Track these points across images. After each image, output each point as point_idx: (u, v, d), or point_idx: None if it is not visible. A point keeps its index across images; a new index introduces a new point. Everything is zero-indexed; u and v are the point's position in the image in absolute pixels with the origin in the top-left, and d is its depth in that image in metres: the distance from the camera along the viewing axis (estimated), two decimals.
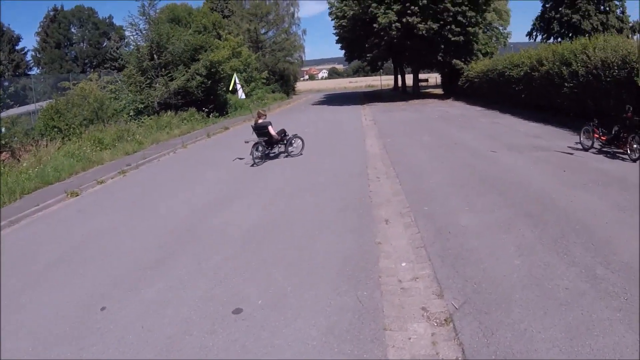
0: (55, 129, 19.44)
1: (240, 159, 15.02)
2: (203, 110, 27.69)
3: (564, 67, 16.93)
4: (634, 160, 11.14)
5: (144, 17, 26.90)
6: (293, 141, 14.86)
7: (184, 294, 5.73)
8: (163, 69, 26.20)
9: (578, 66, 15.87)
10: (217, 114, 29.32)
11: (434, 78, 57.70)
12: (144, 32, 26.93)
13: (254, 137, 14.38)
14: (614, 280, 5.41)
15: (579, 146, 13.06)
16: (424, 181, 10.66)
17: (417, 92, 44.18)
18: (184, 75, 26.79)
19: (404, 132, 19.12)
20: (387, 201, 9.44)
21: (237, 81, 17.67)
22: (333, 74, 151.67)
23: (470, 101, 31.79)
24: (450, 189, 9.85)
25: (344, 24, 40.05)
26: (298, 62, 66.72)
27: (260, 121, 14.38)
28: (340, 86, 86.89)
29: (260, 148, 14.04)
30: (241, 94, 18.67)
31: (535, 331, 4.57)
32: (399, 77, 54.19)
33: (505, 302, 5.14)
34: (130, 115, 24.27)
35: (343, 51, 46.44)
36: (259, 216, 8.80)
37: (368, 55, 40.85)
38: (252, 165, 13.82)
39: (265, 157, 14.42)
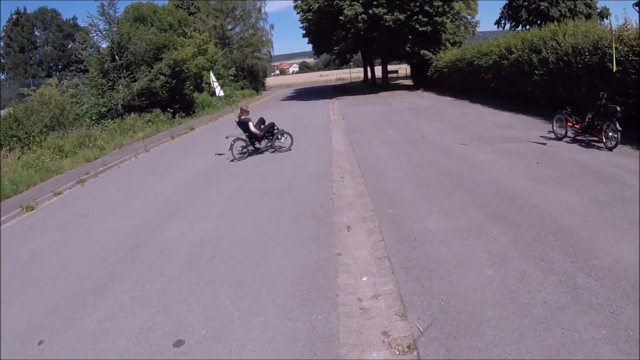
0: (15, 139, 18.85)
1: (220, 154, 15.23)
2: (168, 111, 27.08)
3: (534, 55, 16.60)
4: (610, 149, 10.80)
5: (104, 17, 25.58)
6: (280, 136, 14.59)
7: (124, 324, 5.29)
8: (125, 70, 25.91)
9: (548, 53, 15.53)
10: (183, 114, 28.68)
11: (404, 69, 57.38)
12: (104, 32, 26.20)
13: (239, 132, 14.42)
14: (597, 289, 4.88)
15: (552, 135, 12.65)
16: (390, 180, 10.08)
17: (386, 84, 43.77)
18: (146, 75, 26.20)
19: (371, 127, 18.57)
20: (350, 205, 8.92)
21: (214, 79, 17.63)
22: (304, 68, 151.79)
23: (440, 92, 31.41)
24: (417, 189, 9.31)
25: (309, 17, 39.34)
26: (266, 57, 65.93)
27: (242, 117, 14.25)
28: (311, 80, 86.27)
29: (242, 143, 14.33)
30: (219, 92, 18.34)
31: (510, 358, 4.00)
32: (369, 69, 53.49)
33: (476, 323, 4.56)
34: (93, 120, 23.68)
35: (311, 45, 45.50)
36: (212, 227, 8.29)
37: (335, 48, 40.36)
38: (232, 161, 14.14)
39: (253, 151, 14.74)
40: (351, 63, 62.19)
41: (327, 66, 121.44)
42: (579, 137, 12.14)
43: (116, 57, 26.15)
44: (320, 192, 9.63)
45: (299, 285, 5.83)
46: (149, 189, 11.90)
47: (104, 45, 26.98)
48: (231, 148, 14.04)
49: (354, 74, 71.56)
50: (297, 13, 40.81)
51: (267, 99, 48.05)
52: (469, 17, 47.08)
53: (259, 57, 62.87)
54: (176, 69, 28.31)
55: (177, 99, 29.12)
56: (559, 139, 12.27)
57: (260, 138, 14.48)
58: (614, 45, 11.11)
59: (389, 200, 8.78)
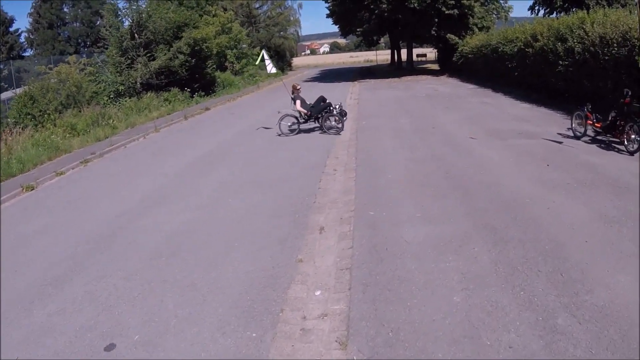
0: (29, 116, 18.90)
1: (267, 128, 15.80)
2: (186, 90, 26.59)
3: (559, 44, 15.53)
4: (632, 153, 9.70)
5: None
6: (331, 118, 14.24)
7: (69, 320, 5.05)
8: (143, 49, 25.53)
9: (574, 42, 14.47)
10: (202, 94, 28.07)
11: (433, 53, 55.87)
12: (124, 10, 25.92)
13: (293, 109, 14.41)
14: (579, 336, 4.03)
15: (570, 133, 11.62)
16: (382, 176, 9.36)
17: (411, 68, 42.47)
18: (165, 54, 25.82)
19: (383, 114, 17.66)
20: (332, 202, 8.20)
21: (266, 57, 17.22)
22: (335, 48, 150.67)
23: (464, 78, 30.27)
24: (408, 188, 8.53)
25: None
26: (294, 37, 64.87)
27: (293, 94, 14.34)
28: (340, 61, 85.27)
29: (292, 119, 14.42)
30: (270, 69, 17.85)
31: None
32: (396, 52, 52.13)
33: None
34: (111, 98, 23.60)
35: (337, 26, 44.34)
36: (188, 219, 7.88)
37: (359, 29, 39.57)
38: (279, 135, 14.51)
39: (309, 130, 14.82)
40: (382, 44, 60.63)
41: (357, 47, 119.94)
42: (599, 137, 11.10)
43: (135, 35, 25.82)
44: (307, 186, 9.04)
45: (246, 295, 5.24)
46: (144, 174, 11.48)
47: (126, 23, 26.75)
48: (279, 123, 14.27)
49: (380, 56, 70.15)
50: None
51: (291, 79, 47.00)
52: (502, 1, 45.39)
53: (286, 37, 62.16)
54: (196, 48, 27.80)
55: (197, 78, 28.62)
56: (577, 137, 11.22)
57: (309, 117, 14.30)
58: None
59: (374, 200, 8.03)
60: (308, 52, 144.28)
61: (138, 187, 10.24)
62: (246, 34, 48.20)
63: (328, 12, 42.44)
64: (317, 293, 5.25)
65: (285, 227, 7.04)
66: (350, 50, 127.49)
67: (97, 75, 26.18)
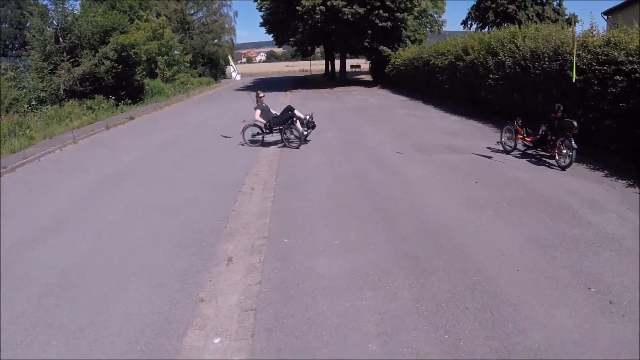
0: None
1: (227, 137, 15.12)
2: (111, 98, 25.04)
3: (490, 57, 15.53)
4: (563, 168, 9.55)
5: None
6: (290, 131, 13.15)
7: None
8: (67, 54, 23.96)
9: (505, 56, 14.41)
10: (129, 102, 26.63)
11: (367, 64, 56.13)
12: (50, 13, 24.56)
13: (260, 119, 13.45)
14: None
15: (500, 147, 11.40)
16: (302, 196, 8.63)
17: (343, 79, 42.30)
18: (90, 59, 24.34)
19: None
20: (245, 227, 7.36)
21: (232, 64, 16.72)
22: (271, 57, 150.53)
23: (396, 90, 30.25)
24: (327, 210, 7.84)
25: (267, 5, 37.72)
26: (228, 44, 63.65)
27: (257, 104, 13.66)
28: (275, 70, 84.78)
29: (255, 130, 13.68)
30: (235, 75, 16.72)
31: None
32: (330, 62, 51.98)
33: None
34: (32, 105, 21.94)
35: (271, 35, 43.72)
36: (85, 249, 6.82)
37: (291, 39, 39.13)
38: (242, 145, 13.67)
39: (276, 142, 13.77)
40: (319, 54, 60.49)
41: (294, 57, 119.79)
42: (529, 152, 10.87)
43: (60, 39, 24.24)
44: (220, 208, 8.19)
45: (136, 344, 4.43)
46: (48, 195, 10.05)
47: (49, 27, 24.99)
48: (243, 132, 13.74)
49: (315, 66, 70.07)
50: (255, 0, 38.94)
51: (223, 88, 46.09)
52: (435, 15, 46.14)
53: (220, 45, 60.96)
54: (123, 54, 26.42)
55: (124, 85, 27.19)
56: (507, 152, 10.93)
57: (269, 128, 13.41)
58: (575, 51, 9.69)
59: (290, 224, 7.28)
60: (244, 60, 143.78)
61: (37, 211, 8.92)
62: (179, 40, 46.91)
63: (261, 21, 41.69)
64: (216, 341, 4.48)
65: (189, 258, 6.21)
66: (286, 59, 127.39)
67: (17, 80, 24.47)
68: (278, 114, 13.43)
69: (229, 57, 17.92)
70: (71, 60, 24.25)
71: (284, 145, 13.06)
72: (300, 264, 5.86)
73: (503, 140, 11.28)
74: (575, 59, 9.82)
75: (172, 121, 21.16)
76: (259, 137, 13.59)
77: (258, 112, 13.22)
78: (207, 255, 6.28)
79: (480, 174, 9.36)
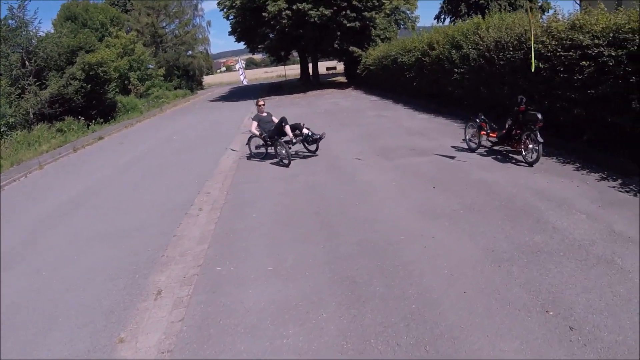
0: None
1: (233, 150, 14.25)
2: (79, 119, 24.32)
3: (454, 51, 14.96)
4: (530, 164, 8.90)
5: (14, 21, 23.71)
6: (280, 147, 11.45)
7: None
8: (33, 77, 23.40)
9: (469, 49, 13.81)
10: (101, 121, 25.94)
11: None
12: (13, 37, 23.77)
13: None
14: None
15: (465, 145, 10.77)
16: (248, 215, 7.99)
17: (317, 83, 41.64)
18: (57, 81, 23.81)
19: None
20: (182, 255, 6.73)
21: (242, 65, 15.62)
22: (250, 64, 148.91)
23: (368, 90, 29.65)
24: (270, 231, 7.19)
25: (233, 14, 37.03)
26: (203, 55, 62.93)
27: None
28: (253, 77, 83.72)
29: (260, 141, 12.53)
30: (244, 80, 16.64)
31: None
32: (305, 66, 51.28)
33: None
34: (2, 132, 21.32)
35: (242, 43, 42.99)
36: (19, 288, 6.35)
37: (260, 46, 38.96)
38: (249, 158, 12.79)
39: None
40: (297, 58, 59.65)
41: (273, 63, 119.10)
42: (496, 148, 10.26)
43: (26, 62, 23.71)
44: (162, 234, 7.60)
45: None
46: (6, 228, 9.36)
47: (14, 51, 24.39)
48: (248, 143, 12.90)
49: (290, 71, 69.52)
50: (221, 10, 38.31)
51: (199, 99, 45.31)
52: (407, 11, 45.64)
53: (194, 56, 60.23)
54: (91, 73, 25.85)
55: (94, 104, 26.60)
56: (471, 150, 10.33)
57: (265, 140, 12.08)
58: (532, 39, 9.08)
59: (227, 250, 6.64)
60: (224, 69, 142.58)
61: None
62: (152, 54, 46.21)
63: (230, 29, 41.06)
64: None
65: (119, 292, 5.72)
66: (266, 65, 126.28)
67: None
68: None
69: (239, 60, 16.66)
70: (38, 83, 23.74)
71: (279, 162, 11.55)
72: (228, 297, 5.24)
73: (467, 138, 10.65)
74: (533, 46, 9.19)
75: (139, 139, 20.48)
76: (262, 150, 12.58)
77: (254, 124, 12.04)
78: (137, 289, 5.76)
79: (440, 177, 8.72)
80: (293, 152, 11.72)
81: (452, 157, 9.89)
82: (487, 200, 7.22)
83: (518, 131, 9.28)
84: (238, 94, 45.18)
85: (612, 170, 8.06)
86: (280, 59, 50.30)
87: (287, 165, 10.96)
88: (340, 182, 9.23)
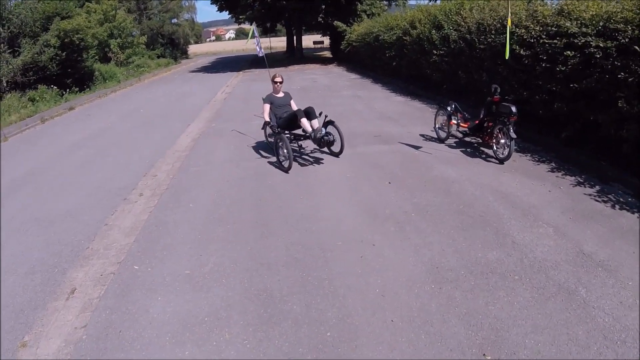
0: None
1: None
2: (52, 87, 22.97)
3: (434, 31, 14.11)
4: (502, 161, 8.14)
5: None
6: (282, 144, 8.53)
7: None
8: (6, 44, 22.03)
9: (450, 29, 12.98)
10: (76, 89, 24.60)
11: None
12: None
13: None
14: None
15: (434, 134, 9.96)
16: (185, 205, 7.20)
17: (300, 56, 40.41)
18: (29, 49, 22.35)
19: (241, 113, 15.26)
20: (106, 248, 5.98)
21: (256, 33, 12.73)
22: (240, 34, 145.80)
23: (350, 68, 28.66)
24: (201, 225, 6.41)
25: None
26: (188, 23, 61.22)
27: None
28: (240, 48, 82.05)
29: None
30: (260, 52, 13.20)
31: None
32: (290, 39, 49.85)
33: None
34: None
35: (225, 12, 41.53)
36: None
37: (241, 17, 37.47)
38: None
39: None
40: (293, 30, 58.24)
41: (264, 33, 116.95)
42: (467, 139, 9.56)
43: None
44: (93, 222, 6.83)
45: None
46: None
47: None
48: (264, 128, 10.04)
49: (278, 43, 67.98)
50: None
51: (181, 69, 43.94)
52: None
53: (179, 24, 58.58)
54: (66, 40, 24.36)
55: (70, 72, 25.10)
56: (440, 140, 9.59)
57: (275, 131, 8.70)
58: (509, 24, 8.43)
59: (152, 245, 5.88)
60: (214, 38, 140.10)
61: None
62: (135, 20, 44.54)
63: None
64: None
65: (34, 289, 5.11)
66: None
67: None
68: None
69: (253, 27, 13.96)
70: (10, 50, 22.41)
71: (277, 164, 8.87)
72: (135, 303, 4.61)
73: (437, 126, 9.87)
74: (509, 31, 8.31)
75: (107, 111, 19.34)
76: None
77: (267, 107, 9.00)
78: (52, 286, 5.15)
79: (400, 171, 7.94)
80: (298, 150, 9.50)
81: (418, 148, 9.06)
82: (444, 202, 6.42)
83: (490, 123, 8.50)
84: (221, 64, 44.05)
85: (590, 175, 7.34)
86: (266, 31, 48.89)
87: (286, 171, 8.28)
88: (293, 172, 8.34)
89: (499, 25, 10.61)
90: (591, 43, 7.41)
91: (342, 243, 5.36)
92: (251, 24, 42.85)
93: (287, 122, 8.87)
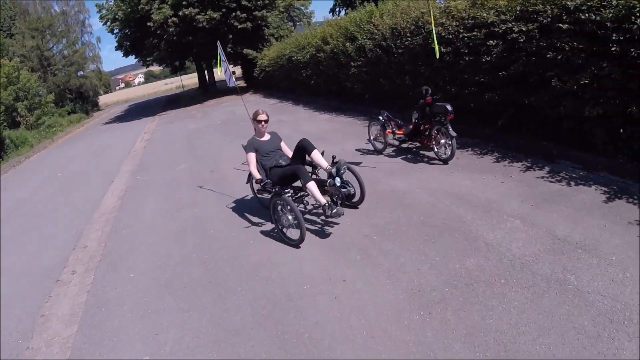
0: None
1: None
2: None
3: (349, 43, 14.01)
4: (445, 161, 7.97)
5: None
6: (284, 209, 5.98)
7: None
8: None
9: (364, 39, 12.91)
10: None
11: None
12: None
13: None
14: None
15: (371, 147, 9.70)
16: (124, 276, 6.34)
17: (214, 91, 40.15)
18: None
19: (166, 158, 14.39)
20: (48, 344, 5.06)
21: (222, 57, 10.27)
22: (150, 77, 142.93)
23: (268, 93, 28.33)
24: (147, 297, 5.70)
25: (117, 27, 34.76)
26: (95, 74, 59.30)
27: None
28: (152, 91, 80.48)
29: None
30: (230, 81, 10.29)
31: None
32: (201, 74, 49.21)
33: None
34: None
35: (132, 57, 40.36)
36: None
37: (149, 59, 36.45)
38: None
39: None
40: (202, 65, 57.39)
41: (174, 73, 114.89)
42: (405, 145, 9.37)
43: None
44: (27, 315, 5.81)
45: None
46: None
47: None
48: (249, 182, 7.70)
49: (189, 80, 67.13)
50: (104, 24, 35.70)
51: (94, 122, 41.96)
52: (302, 7, 44.70)
53: (86, 76, 56.55)
54: None
55: None
56: (378, 152, 9.36)
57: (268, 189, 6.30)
58: (433, 22, 8.31)
59: (98, 333, 5.02)
60: (123, 85, 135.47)
61: None
62: (40, 79, 42.46)
63: (116, 44, 38.40)
64: None
65: None
66: (165, 77, 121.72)
67: None
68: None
69: (219, 50, 10.60)
70: None
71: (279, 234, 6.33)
72: None
73: (371, 138, 9.61)
74: (434, 30, 8.17)
75: (23, 179, 17.61)
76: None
77: (252, 157, 6.60)
78: None
79: None
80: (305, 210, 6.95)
81: (358, 164, 8.72)
82: (403, 217, 6.08)
83: (427, 126, 8.34)
84: (134, 111, 42.58)
85: (535, 157, 7.29)
86: (175, 70, 48.10)
87: (297, 244, 5.85)
88: (233, 214, 7.79)
89: (413, 27, 10.55)
90: (513, 29, 7.34)
91: (310, 286, 4.88)
92: (159, 65, 42.02)
93: (286, 178, 6.30)
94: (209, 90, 43.02)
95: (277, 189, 6.04)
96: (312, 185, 5.80)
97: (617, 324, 3.48)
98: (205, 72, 45.00)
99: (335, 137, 11.60)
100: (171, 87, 77.33)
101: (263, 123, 6.75)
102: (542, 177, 6.54)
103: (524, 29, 7.18)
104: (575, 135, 7.04)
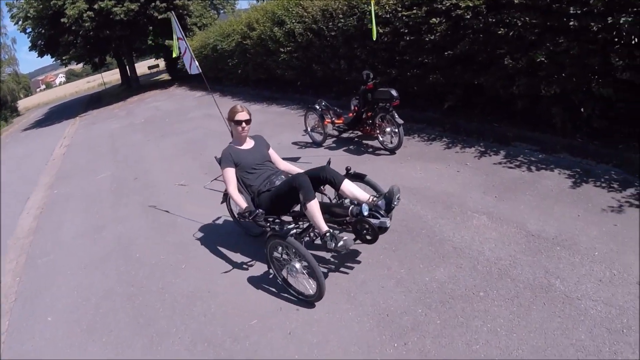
0: None
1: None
2: None
3: (277, 28, 13.26)
4: (392, 151, 7.39)
5: None
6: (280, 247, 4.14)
7: None
8: None
9: (293, 23, 12.20)
10: None
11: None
12: None
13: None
14: None
15: (309, 139, 8.99)
16: (42, 319, 5.32)
17: (137, 86, 38.25)
18: None
19: (89, 163, 13.08)
20: None
21: (179, 34, 8.01)
22: (71, 76, 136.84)
23: (193, 85, 27.08)
24: (70, 344, 4.79)
25: (30, 26, 32.39)
26: (12, 77, 55.90)
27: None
28: (74, 91, 76.99)
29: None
30: (191, 67, 7.98)
31: None
32: (123, 69, 47.08)
33: None
34: None
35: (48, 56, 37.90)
36: None
37: (65, 57, 34.47)
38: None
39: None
40: (126, 61, 55.11)
41: (96, 70, 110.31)
42: (345, 136, 8.71)
43: None
44: None
45: None
46: None
47: None
48: (225, 201, 5.89)
49: (111, 76, 64.48)
50: (15, 24, 33.29)
51: (12, 130, 38.96)
52: None
53: (2, 80, 53.20)
54: None
55: None
56: (317, 144, 8.70)
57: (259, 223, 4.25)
58: (373, 2, 7.72)
59: None
60: (44, 87, 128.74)
61: None
62: None
63: (29, 45, 35.91)
64: None
65: None
66: (87, 74, 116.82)
67: None
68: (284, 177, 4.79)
69: (175, 36, 8.33)
70: None
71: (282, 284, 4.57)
72: None
73: (309, 129, 8.91)
74: (373, 10, 7.55)
75: None
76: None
77: (231, 175, 4.62)
78: None
79: None
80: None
81: (296, 159, 7.93)
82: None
83: (370, 113, 7.73)
84: (55, 114, 39.97)
85: (488, 141, 6.87)
86: (96, 67, 45.84)
87: (313, 301, 4.13)
88: (161, 230, 6.81)
89: (345, 7, 9.89)
90: (459, 4, 6.77)
91: (258, 320, 4.09)
92: (78, 63, 39.82)
93: (281, 201, 4.47)
94: (132, 86, 41.10)
95: (273, 226, 4.31)
96: (314, 206, 4.02)
97: (616, 334, 3.03)
98: (127, 67, 42.99)
99: (267, 130, 10.75)
100: (93, 85, 74.39)
101: (244, 124, 4.75)
102: (500, 163, 6.07)
103: (470, 4, 6.62)
104: (530, 115, 6.61)
